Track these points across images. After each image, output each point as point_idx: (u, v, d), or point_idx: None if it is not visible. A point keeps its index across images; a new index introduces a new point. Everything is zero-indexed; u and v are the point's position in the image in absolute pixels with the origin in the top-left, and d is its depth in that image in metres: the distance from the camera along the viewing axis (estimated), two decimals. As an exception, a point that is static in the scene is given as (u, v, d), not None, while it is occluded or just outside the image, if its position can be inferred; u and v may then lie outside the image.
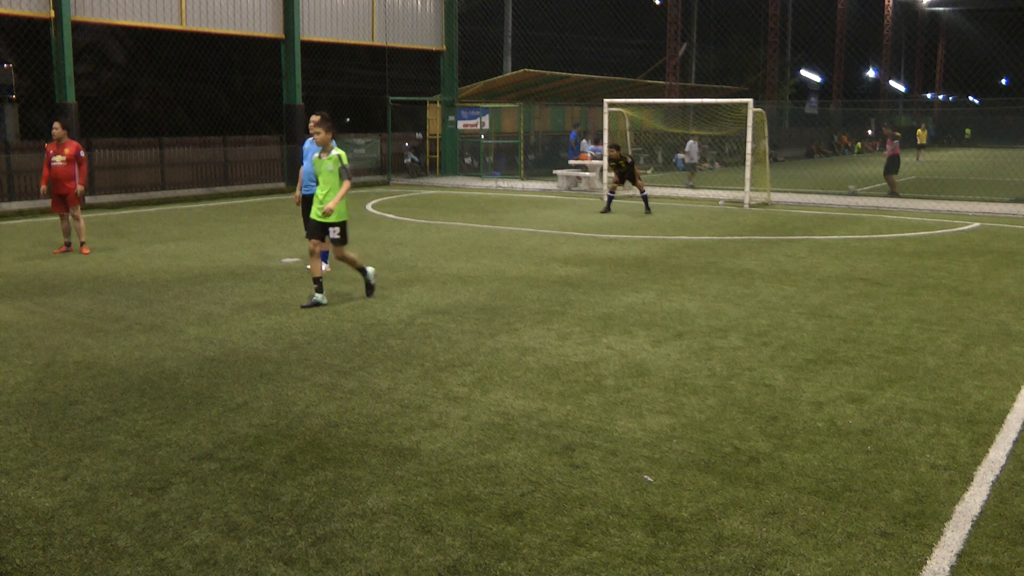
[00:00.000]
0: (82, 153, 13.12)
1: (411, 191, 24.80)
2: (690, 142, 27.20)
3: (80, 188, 13.07)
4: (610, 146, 20.39)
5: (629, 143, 26.00)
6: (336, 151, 9.36)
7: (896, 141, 23.22)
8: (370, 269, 9.82)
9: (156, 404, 6.21)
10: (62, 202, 13.03)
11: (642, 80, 39.15)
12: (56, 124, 12.96)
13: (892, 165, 23.07)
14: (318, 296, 9.35)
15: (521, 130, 29.48)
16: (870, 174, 27.34)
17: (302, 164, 11.27)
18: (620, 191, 20.42)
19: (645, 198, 19.24)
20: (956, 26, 62.78)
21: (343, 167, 9.31)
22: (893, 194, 22.79)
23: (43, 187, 12.97)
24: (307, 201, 11.27)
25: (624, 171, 19.54)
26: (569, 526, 4.39)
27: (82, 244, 12.97)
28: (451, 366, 7.14)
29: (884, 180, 23.61)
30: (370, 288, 9.78)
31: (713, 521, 4.45)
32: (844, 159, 43.07)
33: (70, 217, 13.10)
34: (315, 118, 9.23)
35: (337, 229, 9.29)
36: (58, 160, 12.90)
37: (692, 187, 24.97)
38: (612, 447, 5.41)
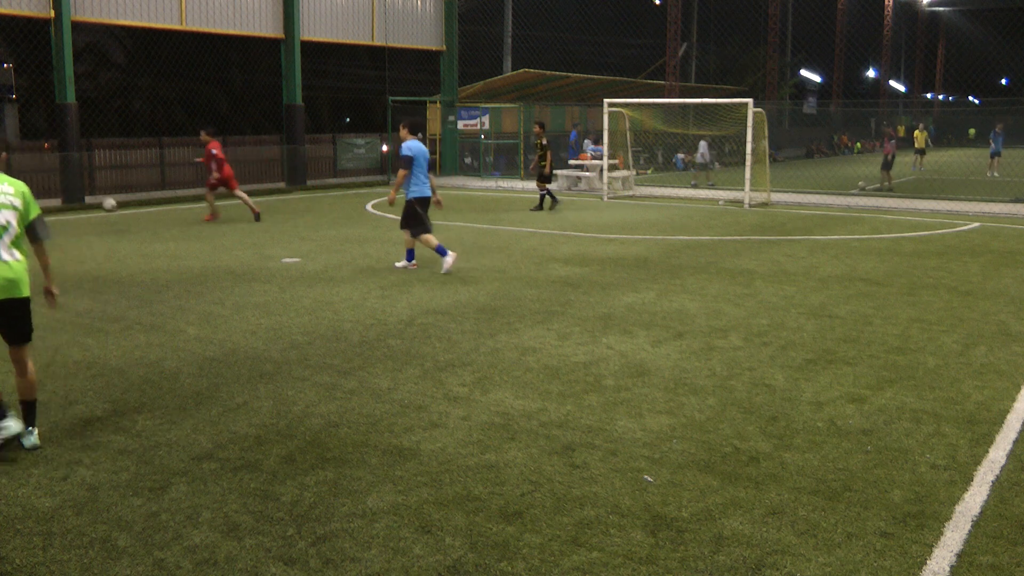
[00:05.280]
0: (214, 151, 16.50)
1: (411, 191, 24.74)
2: (701, 143, 26.94)
3: (214, 176, 16.61)
4: (536, 122, 19.65)
5: (629, 143, 25.97)
6: (19, 188, 5.54)
7: (892, 142, 25.19)
8: (15, 426, 5.31)
9: (156, 404, 6.21)
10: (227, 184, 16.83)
11: (642, 80, 39.15)
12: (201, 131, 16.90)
13: (886, 163, 25.10)
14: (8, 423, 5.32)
15: (521, 130, 29.46)
16: (871, 173, 27.36)
17: (418, 164, 11.66)
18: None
19: (551, 194, 19.07)
20: (956, 26, 62.73)
21: (37, 222, 5.51)
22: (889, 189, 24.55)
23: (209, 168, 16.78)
24: (423, 203, 11.75)
25: (544, 155, 18.97)
26: (569, 526, 4.39)
27: (257, 214, 16.92)
28: (451, 366, 7.14)
29: (881, 175, 25.29)
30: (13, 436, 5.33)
31: (713, 521, 4.45)
32: (844, 159, 43.06)
33: (237, 193, 17.01)
34: None
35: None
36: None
37: (712, 186, 25.02)
38: (612, 447, 5.41)
